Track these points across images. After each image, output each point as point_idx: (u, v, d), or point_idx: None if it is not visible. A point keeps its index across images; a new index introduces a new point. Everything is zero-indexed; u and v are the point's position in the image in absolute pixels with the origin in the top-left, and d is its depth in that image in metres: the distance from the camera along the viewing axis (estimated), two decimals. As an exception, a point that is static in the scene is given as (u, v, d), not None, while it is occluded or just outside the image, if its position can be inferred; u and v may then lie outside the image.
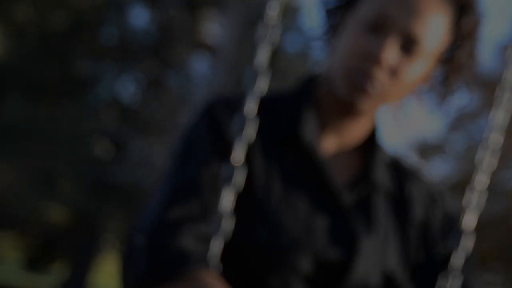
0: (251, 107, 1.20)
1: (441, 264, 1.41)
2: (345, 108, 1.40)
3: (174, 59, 13.41)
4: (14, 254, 20.20)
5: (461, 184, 14.15)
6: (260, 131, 1.32)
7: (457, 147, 14.38)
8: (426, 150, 14.14)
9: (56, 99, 14.17)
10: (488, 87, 14.83)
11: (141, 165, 12.96)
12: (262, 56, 1.19)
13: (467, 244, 1.35)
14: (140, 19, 14.49)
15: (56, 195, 13.88)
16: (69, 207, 15.09)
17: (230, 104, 1.40)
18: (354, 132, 1.44)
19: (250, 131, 1.21)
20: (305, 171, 1.39)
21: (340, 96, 1.39)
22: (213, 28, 13.99)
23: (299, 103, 1.42)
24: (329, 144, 1.43)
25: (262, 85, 1.21)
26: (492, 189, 13.79)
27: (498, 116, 1.30)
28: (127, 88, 14.55)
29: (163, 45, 13.52)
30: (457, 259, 1.37)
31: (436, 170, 14.31)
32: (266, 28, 1.19)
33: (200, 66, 14.11)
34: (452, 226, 1.45)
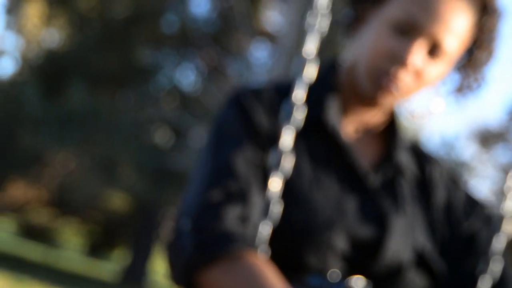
0: (299, 94, 1.25)
1: (467, 243, 1.49)
2: (366, 101, 1.46)
3: (234, 47, 13.47)
4: (76, 241, 20.51)
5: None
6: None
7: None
8: (488, 138, 13.98)
9: (118, 87, 14.35)
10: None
11: (201, 152, 13.01)
12: (311, 44, 1.24)
13: (507, 229, 1.42)
14: (201, 7, 14.56)
15: (116, 182, 14.04)
16: (129, 194, 15.27)
17: (255, 93, 1.46)
18: (374, 118, 1.50)
19: (298, 118, 1.28)
20: (331, 154, 1.45)
21: (363, 91, 1.44)
22: (273, 15, 14.02)
23: (323, 89, 1.47)
24: (351, 129, 1.49)
25: (310, 73, 1.26)
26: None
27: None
28: (188, 76, 14.68)
29: (223, 33, 13.59)
30: (498, 243, 1.45)
31: (498, 158, 14.14)
32: (315, 16, 1.24)
33: (260, 53, 14.16)
34: (474, 206, 1.52)
